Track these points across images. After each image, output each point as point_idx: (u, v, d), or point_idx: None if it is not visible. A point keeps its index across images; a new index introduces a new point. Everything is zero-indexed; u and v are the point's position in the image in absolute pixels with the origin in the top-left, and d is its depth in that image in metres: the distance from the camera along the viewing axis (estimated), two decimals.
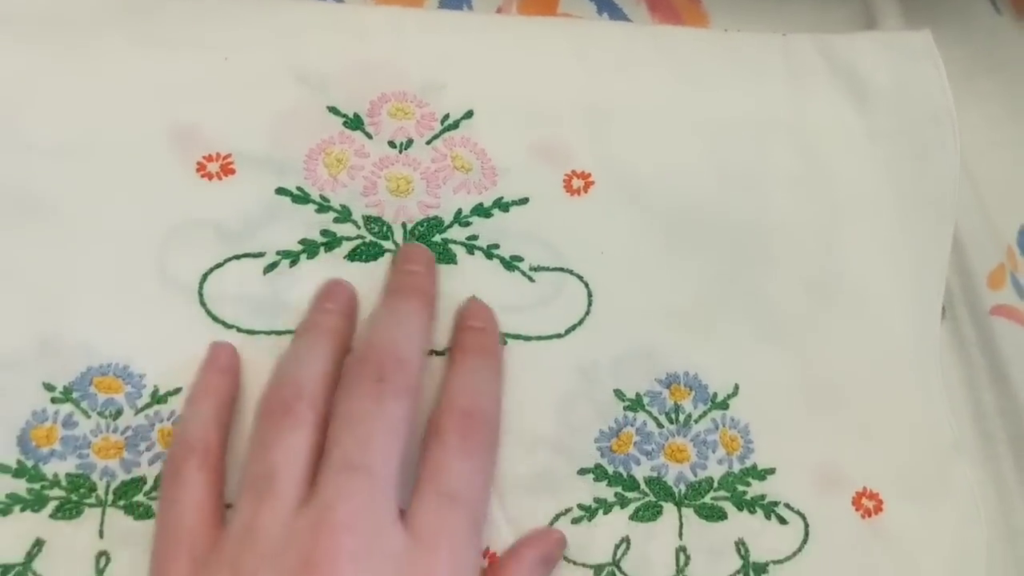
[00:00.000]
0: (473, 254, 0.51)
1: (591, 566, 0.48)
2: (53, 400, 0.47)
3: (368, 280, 0.50)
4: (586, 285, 0.51)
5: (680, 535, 0.49)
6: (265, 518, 0.36)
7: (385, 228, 0.50)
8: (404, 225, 0.51)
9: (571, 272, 0.52)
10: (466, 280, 0.50)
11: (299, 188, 0.51)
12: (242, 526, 0.37)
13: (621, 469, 0.49)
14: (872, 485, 0.50)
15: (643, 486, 0.49)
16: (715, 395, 0.51)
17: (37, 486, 0.45)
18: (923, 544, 0.50)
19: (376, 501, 0.36)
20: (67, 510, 0.46)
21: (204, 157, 0.51)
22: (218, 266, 0.49)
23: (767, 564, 0.49)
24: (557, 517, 0.48)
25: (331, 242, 0.50)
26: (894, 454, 0.51)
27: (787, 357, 0.52)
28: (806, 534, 0.50)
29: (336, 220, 0.51)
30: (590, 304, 0.51)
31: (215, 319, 0.49)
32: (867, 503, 0.50)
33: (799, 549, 0.49)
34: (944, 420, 0.49)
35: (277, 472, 0.38)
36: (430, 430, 0.41)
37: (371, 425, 0.38)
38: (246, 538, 0.36)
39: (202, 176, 0.50)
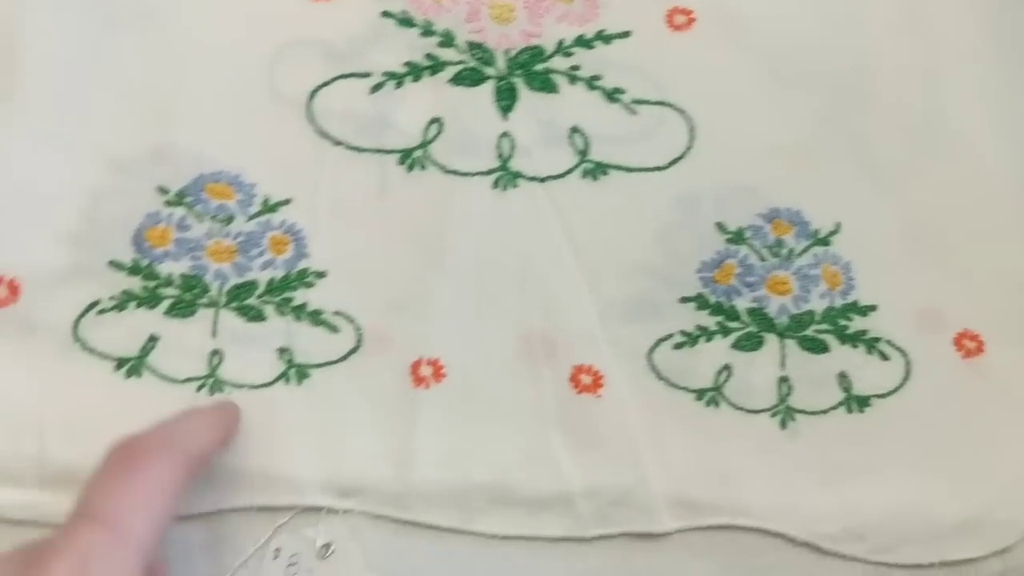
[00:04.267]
0: (575, 84, 0.51)
1: (693, 390, 0.48)
2: (167, 203, 0.47)
3: (469, 105, 0.50)
4: (688, 120, 0.51)
5: (782, 365, 0.49)
6: None
7: (487, 55, 0.51)
8: (506, 52, 0.51)
9: (673, 106, 0.51)
10: (567, 110, 0.50)
11: (403, 12, 0.51)
12: None
13: (723, 299, 0.49)
14: (973, 327, 0.50)
15: (744, 316, 0.49)
16: (817, 232, 0.50)
17: (152, 284, 0.46)
18: None
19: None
20: (181, 309, 0.46)
21: None
22: (325, 84, 0.50)
23: (869, 398, 0.48)
24: (659, 342, 0.48)
25: (435, 66, 0.50)
26: (995, 299, 0.50)
27: (888, 198, 0.51)
28: (907, 370, 0.49)
29: (440, 44, 0.51)
30: (692, 138, 0.51)
31: (323, 135, 0.49)
32: (968, 344, 0.49)
33: (901, 384, 0.49)
34: None
35: None
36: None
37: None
38: None
39: None
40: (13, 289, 0.45)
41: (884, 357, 0.48)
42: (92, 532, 0.34)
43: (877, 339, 0.49)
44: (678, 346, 0.48)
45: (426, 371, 0.46)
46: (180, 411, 0.40)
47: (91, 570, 0.32)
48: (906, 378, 0.48)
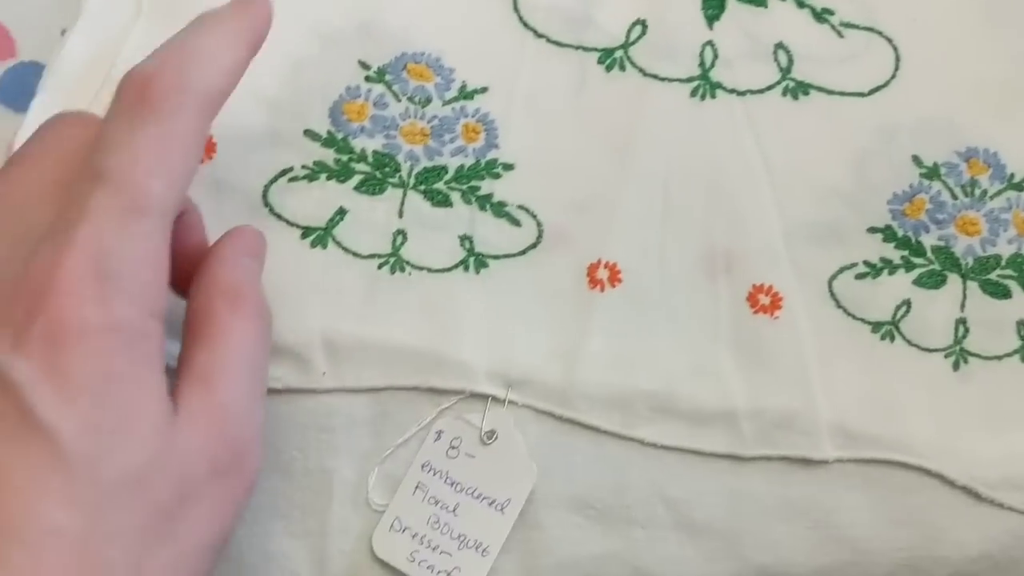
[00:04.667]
0: (784, 0, 0.49)
1: (870, 322, 0.47)
2: (367, 79, 0.47)
3: (676, 10, 0.50)
4: (895, 48, 0.50)
5: (962, 307, 0.48)
6: None
7: None
8: None
9: (881, 33, 0.50)
10: (774, 25, 0.50)
11: None
12: None
13: (910, 233, 0.48)
14: None
15: (929, 253, 0.48)
16: (1012, 175, 0.49)
17: (345, 158, 0.46)
18: None
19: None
20: (371, 185, 0.47)
21: None
22: None
23: None
24: (842, 270, 0.48)
25: None
26: None
27: None
28: None
29: None
30: (897, 67, 0.49)
31: (527, 26, 0.48)
32: None
33: None
34: None
35: None
36: None
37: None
38: None
39: None
40: (209, 147, 0.45)
41: None
42: (105, 197, 0.30)
43: None
44: (860, 276, 0.47)
45: (603, 274, 0.46)
46: (193, 24, 0.34)
47: (107, 245, 0.29)
48: None
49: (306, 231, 0.46)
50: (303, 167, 0.46)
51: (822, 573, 0.45)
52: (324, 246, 0.46)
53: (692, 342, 0.46)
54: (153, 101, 0.31)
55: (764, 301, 0.47)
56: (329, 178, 0.46)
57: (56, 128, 0.34)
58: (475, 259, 0.47)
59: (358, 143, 0.47)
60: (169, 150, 0.31)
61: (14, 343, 0.29)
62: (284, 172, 0.46)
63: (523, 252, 0.47)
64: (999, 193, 0.49)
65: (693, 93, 0.49)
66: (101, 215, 0.29)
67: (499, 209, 0.47)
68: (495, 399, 0.45)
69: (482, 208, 0.47)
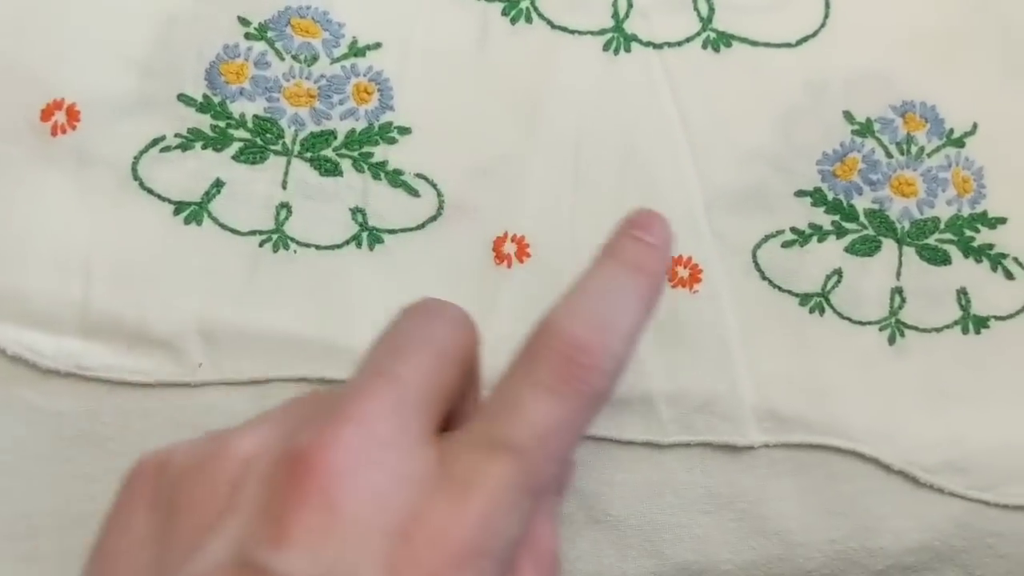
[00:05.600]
0: None
1: (798, 294, 0.44)
2: (247, 36, 0.43)
3: None
4: None
5: (898, 275, 0.45)
6: None
7: None
8: None
9: None
10: None
11: None
12: None
13: (841, 196, 0.45)
14: None
15: (862, 218, 0.45)
16: (951, 131, 0.46)
17: (222, 124, 0.43)
18: None
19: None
20: (251, 153, 0.43)
21: None
22: None
23: (988, 319, 0.45)
24: (767, 238, 0.44)
25: None
26: None
27: None
28: None
29: None
30: (827, 16, 0.46)
31: None
32: None
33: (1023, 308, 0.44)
34: None
35: None
36: (522, 349, 0.30)
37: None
38: None
39: None
40: (72, 115, 0.41)
41: (1009, 276, 0.45)
42: (508, 471, 0.28)
43: (1004, 255, 0.45)
44: (787, 244, 0.44)
45: (510, 248, 0.43)
46: (605, 274, 0.33)
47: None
48: None
49: (179, 206, 0.42)
50: (176, 135, 0.42)
51: (749, 569, 0.43)
52: (199, 223, 0.42)
53: None
54: (582, 379, 0.29)
55: (682, 274, 0.44)
56: (205, 147, 0.42)
57: None
58: (369, 234, 0.43)
59: (237, 107, 0.43)
60: (578, 435, 0.29)
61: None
62: (155, 142, 0.42)
63: (422, 226, 0.44)
64: (937, 150, 0.46)
65: (606, 47, 0.45)
66: (500, 488, 0.27)
67: (395, 178, 0.44)
68: None
69: (376, 177, 0.44)
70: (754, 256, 0.44)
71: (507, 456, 0.27)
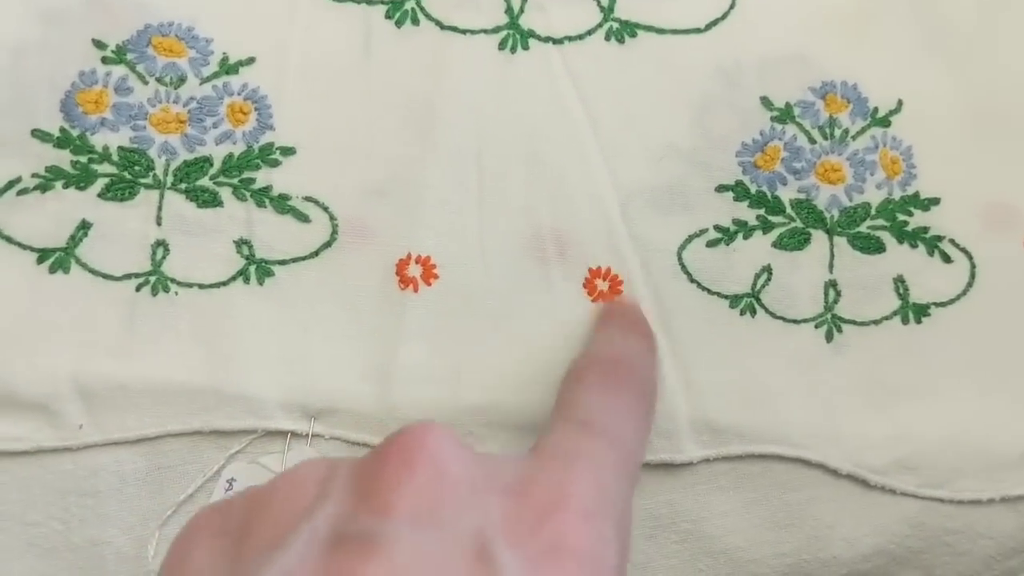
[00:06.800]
0: None
1: (727, 296, 0.42)
2: (104, 60, 0.40)
3: None
4: None
5: (830, 268, 0.43)
6: None
7: None
8: None
9: None
10: None
11: None
12: None
13: (765, 188, 0.42)
14: None
15: (789, 209, 0.43)
16: (875, 110, 0.44)
17: (84, 159, 0.39)
18: None
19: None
20: (119, 190, 0.39)
21: None
22: None
23: (928, 306, 0.43)
24: (690, 239, 0.42)
25: None
26: None
27: (955, 75, 0.45)
28: (972, 274, 0.43)
29: None
30: None
31: None
32: None
33: (964, 291, 0.43)
34: None
35: None
36: (568, 378, 0.34)
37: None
38: None
39: None
40: None
41: (946, 259, 0.43)
42: (600, 447, 0.31)
43: (939, 238, 0.43)
44: (712, 243, 0.42)
45: (415, 271, 0.40)
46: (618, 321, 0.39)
47: (606, 484, 0.29)
48: (970, 284, 0.43)
49: (43, 254, 0.39)
50: (33, 176, 0.39)
51: None
52: (66, 270, 0.39)
53: (525, 343, 0.41)
54: (625, 380, 0.35)
55: (602, 287, 0.41)
56: (67, 186, 0.39)
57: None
58: (257, 267, 0.40)
59: (99, 139, 0.39)
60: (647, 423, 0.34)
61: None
62: (11, 184, 0.38)
63: (315, 253, 0.41)
64: (862, 131, 0.44)
65: (501, 45, 0.42)
66: (604, 462, 0.30)
67: (281, 204, 0.40)
68: (296, 435, 0.39)
69: (260, 205, 0.40)
70: (679, 258, 0.42)
71: (603, 439, 0.30)
